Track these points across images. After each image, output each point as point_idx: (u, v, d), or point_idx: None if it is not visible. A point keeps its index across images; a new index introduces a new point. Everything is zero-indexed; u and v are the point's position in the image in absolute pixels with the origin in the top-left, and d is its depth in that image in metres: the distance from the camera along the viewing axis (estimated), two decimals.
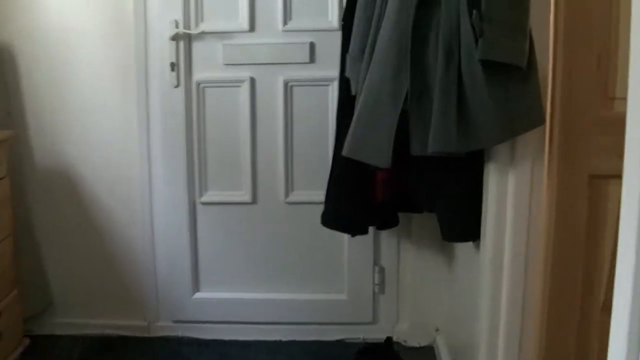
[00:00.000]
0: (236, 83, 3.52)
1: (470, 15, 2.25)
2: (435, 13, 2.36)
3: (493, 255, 2.54)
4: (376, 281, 3.67)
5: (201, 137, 3.57)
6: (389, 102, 2.43)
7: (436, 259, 3.58)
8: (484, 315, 2.61)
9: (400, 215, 3.31)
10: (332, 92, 3.43)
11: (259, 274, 3.71)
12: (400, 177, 2.89)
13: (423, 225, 3.50)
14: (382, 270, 3.67)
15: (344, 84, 2.94)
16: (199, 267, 3.73)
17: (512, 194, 2.48)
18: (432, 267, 3.60)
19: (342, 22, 3.01)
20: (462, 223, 2.74)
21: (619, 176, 2.38)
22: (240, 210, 3.64)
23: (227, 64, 3.51)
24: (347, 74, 2.84)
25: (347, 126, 2.60)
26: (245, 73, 3.51)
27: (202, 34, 3.48)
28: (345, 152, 2.57)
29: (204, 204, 3.64)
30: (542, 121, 2.36)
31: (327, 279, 3.70)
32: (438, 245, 3.47)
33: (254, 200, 3.62)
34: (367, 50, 2.58)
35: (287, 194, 3.60)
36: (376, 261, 3.66)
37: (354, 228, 3.21)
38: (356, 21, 2.73)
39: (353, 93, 2.76)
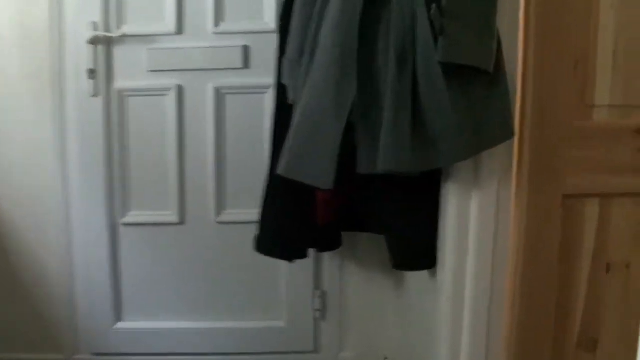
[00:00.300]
0: (162, 91, 3.25)
1: (429, 9, 2.00)
2: (387, 7, 2.10)
3: (453, 286, 2.33)
4: (317, 306, 3.42)
5: (123, 152, 3.29)
6: (332, 113, 2.16)
7: (383, 282, 3.34)
8: (443, 353, 2.40)
9: (344, 233, 3.05)
10: (269, 101, 3.13)
11: (188, 301, 3.44)
12: (345, 194, 2.61)
13: (369, 244, 3.24)
14: (323, 295, 3.42)
15: (281, 91, 2.64)
16: (122, 295, 3.43)
17: (475, 217, 2.26)
18: (379, 290, 3.36)
19: (280, 23, 2.70)
20: (417, 250, 2.52)
21: (596, 195, 2.22)
22: (167, 231, 3.36)
23: (151, 71, 3.24)
24: (284, 80, 2.54)
25: (284, 139, 2.33)
26: (172, 80, 3.24)
27: (124, 38, 3.19)
28: (280, 171, 2.31)
29: (126, 225, 3.35)
30: (511, 134, 2.13)
31: (264, 305, 3.44)
32: (385, 267, 3.19)
33: (182, 221, 3.35)
34: (307, 52, 2.30)
35: (218, 213, 3.34)
36: (317, 284, 3.41)
37: (292, 253, 2.91)
38: (295, 19, 2.44)
39: (290, 102, 2.47)
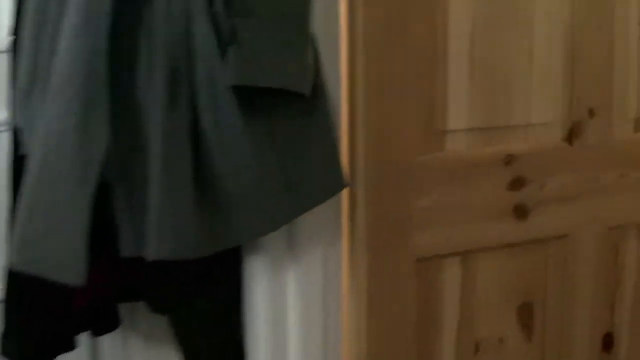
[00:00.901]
0: None
1: (210, 3, 1.40)
2: (147, 7, 1.45)
3: None
4: None
5: None
6: (74, 174, 1.50)
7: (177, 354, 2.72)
8: None
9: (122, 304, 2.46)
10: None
11: None
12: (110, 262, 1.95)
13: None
14: None
15: (17, 136, 1.93)
16: None
17: (294, 298, 1.73)
18: None
19: (12, 37, 1.99)
20: (213, 343, 1.95)
21: (457, 253, 1.59)
22: None
23: None
24: (17, 120, 1.84)
25: None
26: None
27: None
28: (13, 264, 1.64)
29: None
30: (341, 184, 1.56)
31: None
32: None
33: None
34: (40, 79, 1.63)
35: None
36: None
37: (52, 351, 2.22)
38: (26, 31, 1.74)
39: (25, 152, 1.76)
